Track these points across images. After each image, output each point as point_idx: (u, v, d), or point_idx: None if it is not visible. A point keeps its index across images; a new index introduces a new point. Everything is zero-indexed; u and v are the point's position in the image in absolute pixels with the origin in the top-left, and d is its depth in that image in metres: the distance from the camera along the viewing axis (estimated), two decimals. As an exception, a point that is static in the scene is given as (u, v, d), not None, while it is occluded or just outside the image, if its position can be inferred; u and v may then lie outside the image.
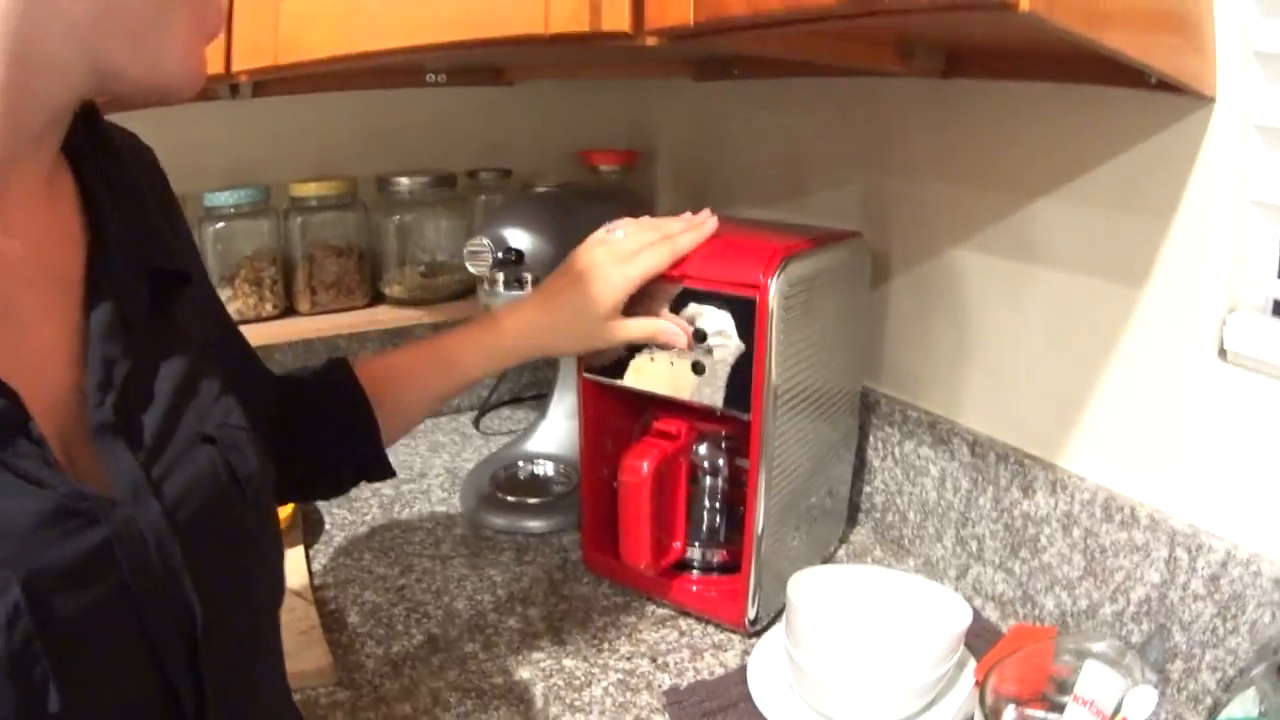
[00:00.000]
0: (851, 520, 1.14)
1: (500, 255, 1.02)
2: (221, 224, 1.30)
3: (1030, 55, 0.84)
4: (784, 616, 0.83)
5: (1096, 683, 0.69)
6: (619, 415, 1.00)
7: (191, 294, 0.61)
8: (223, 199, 1.29)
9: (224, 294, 1.31)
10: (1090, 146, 0.85)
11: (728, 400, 0.87)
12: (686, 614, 0.97)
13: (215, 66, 0.94)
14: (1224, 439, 0.78)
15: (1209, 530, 0.78)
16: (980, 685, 0.68)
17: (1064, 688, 0.71)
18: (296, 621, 0.92)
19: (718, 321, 0.86)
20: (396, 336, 1.41)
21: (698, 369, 0.87)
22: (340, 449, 0.85)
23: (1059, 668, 0.73)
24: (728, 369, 0.86)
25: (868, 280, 1.04)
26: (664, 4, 0.76)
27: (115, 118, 0.60)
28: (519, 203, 1.16)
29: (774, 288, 0.82)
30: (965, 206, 0.98)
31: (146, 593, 0.46)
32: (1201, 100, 0.75)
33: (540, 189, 1.33)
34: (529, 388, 1.56)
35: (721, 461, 0.96)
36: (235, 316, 1.25)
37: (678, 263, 0.87)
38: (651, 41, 0.80)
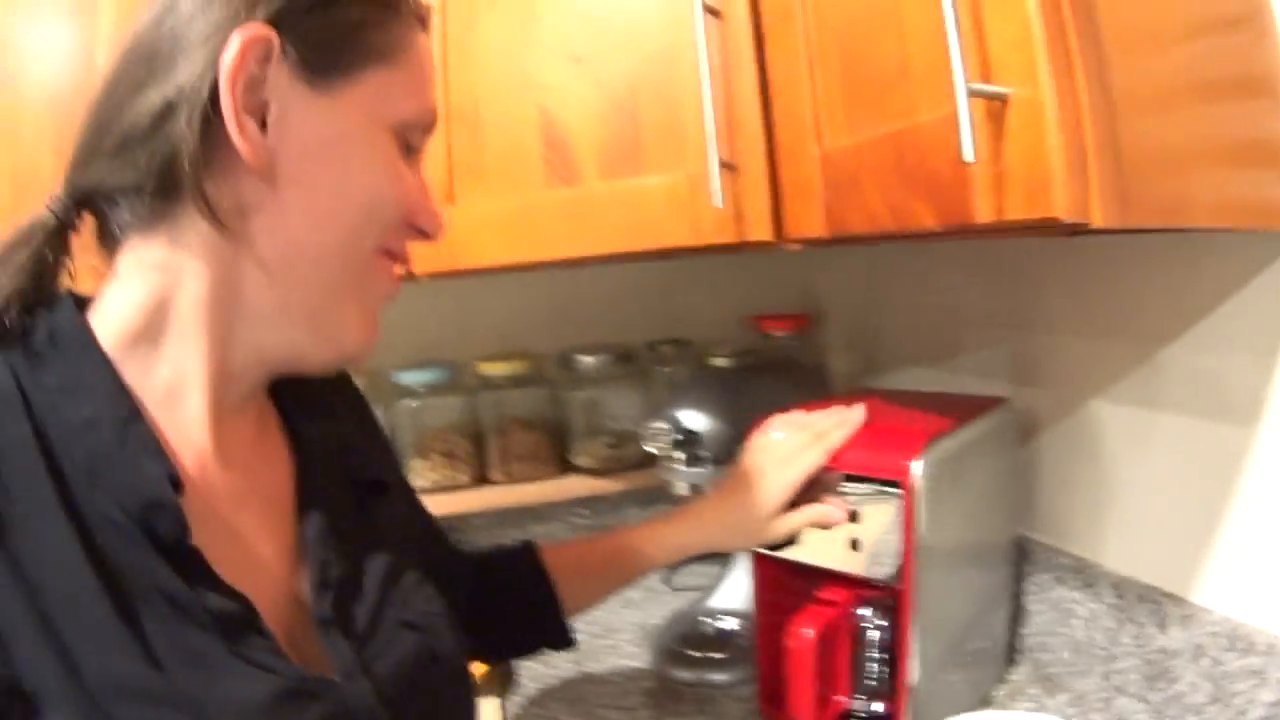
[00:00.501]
0: (1010, 660, 1.14)
1: (678, 436, 1.13)
2: (414, 401, 1.43)
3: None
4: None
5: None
6: (788, 581, 1.05)
7: (390, 497, 0.71)
8: (413, 378, 1.42)
9: (419, 465, 1.43)
10: (1201, 291, 0.88)
11: (881, 571, 0.93)
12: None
13: None
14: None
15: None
16: None
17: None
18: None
19: (870, 502, 0.92)
20: (587, 504, 1.49)
21: (854, 545, 0.94)
22: (527, 623, 0.95)
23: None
24: (880, 543, 0.92)
25: (1015, 442, 1.09)
26: (799, 219, 0.86)
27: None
28: (694, 383, 1.25)
29: (918, 471, 0.88)
30: (1099, 358, 1.03)
31: None
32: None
33: (716, 361, 1.42)
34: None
35: (882, 620, 1.01)
36: (431, 486, 1.42)
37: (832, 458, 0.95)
38: (793, 247, 0.90)
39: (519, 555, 0.96)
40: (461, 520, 1.49)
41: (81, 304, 0.58)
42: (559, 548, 0.98)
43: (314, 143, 0.56)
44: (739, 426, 1.12)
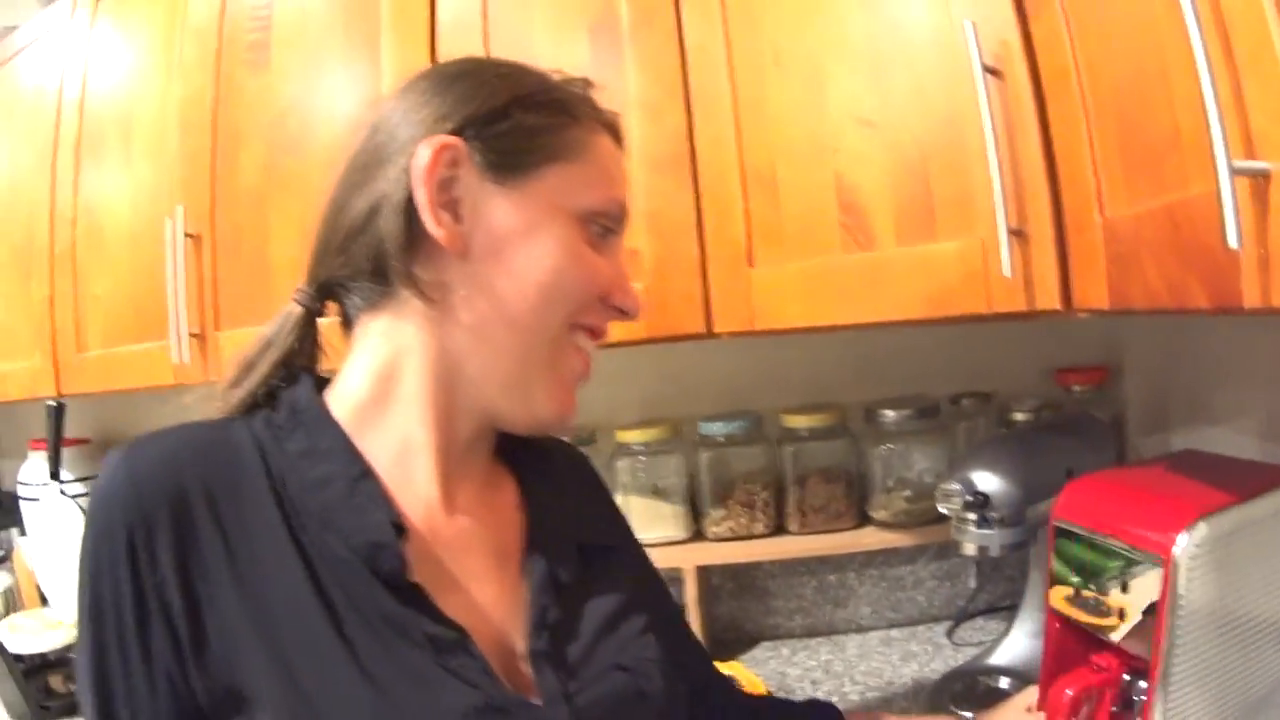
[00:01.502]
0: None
1: (969, 498, 1.13)
2: (716, 451, 1.50)
3: None
4: None
5: None
6: (1075, 642, 1.02)
7: (620, 560, 0.78)
8: (716, 429, 1.49)
9: (718, 513, 1.49)
10: None
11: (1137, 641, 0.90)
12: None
13: (695, 327, 1.16)
14: None
15: None
16: None
17: None
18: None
19: (1138, 574, 0.89)
20: (879, 556, 1.51)
21: (1121, 614, 0.91)
22: None
23: None
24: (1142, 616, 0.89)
25: None
26: (1086, 290, 0.85)
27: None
28: (987, 444, 1.24)
29: (1181, 546, 0.85)
30: None
31: None
32: None
33: (1015, 416, 1.41)
34: (1004, 598, 1.55)
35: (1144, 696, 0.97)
36: (728, 534, 1.50)
37: None
38: (1082, 316, 0.89)
39: (818, 709, 0.97)
40: (753, 568, 1.55)
41: (321, 382, 0.69)
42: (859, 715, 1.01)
43: (503, 227, 0.66)
44: (1029, 489, 1.11)
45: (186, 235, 1.39)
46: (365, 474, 0.63)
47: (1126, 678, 0.96)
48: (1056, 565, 0.99)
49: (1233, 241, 0.54)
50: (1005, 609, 1.53)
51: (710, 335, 1.17)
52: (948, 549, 1.48)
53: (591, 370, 0.72)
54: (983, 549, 1.14)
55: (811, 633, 1.57)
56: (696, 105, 1.18)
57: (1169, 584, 0.86)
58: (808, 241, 1.10)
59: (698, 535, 1.54)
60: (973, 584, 1.55)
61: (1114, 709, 0.97)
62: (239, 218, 1.39)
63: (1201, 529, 0.86)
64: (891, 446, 1.49)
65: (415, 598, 0.61)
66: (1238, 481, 0.94)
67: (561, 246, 0.66)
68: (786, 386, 1.57)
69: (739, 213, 1.14)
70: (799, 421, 1.49)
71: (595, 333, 0.71)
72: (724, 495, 1.52)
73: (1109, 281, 0.80)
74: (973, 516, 1.15)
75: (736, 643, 1.57)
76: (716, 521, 1.51)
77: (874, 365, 1.56)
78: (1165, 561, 0.86)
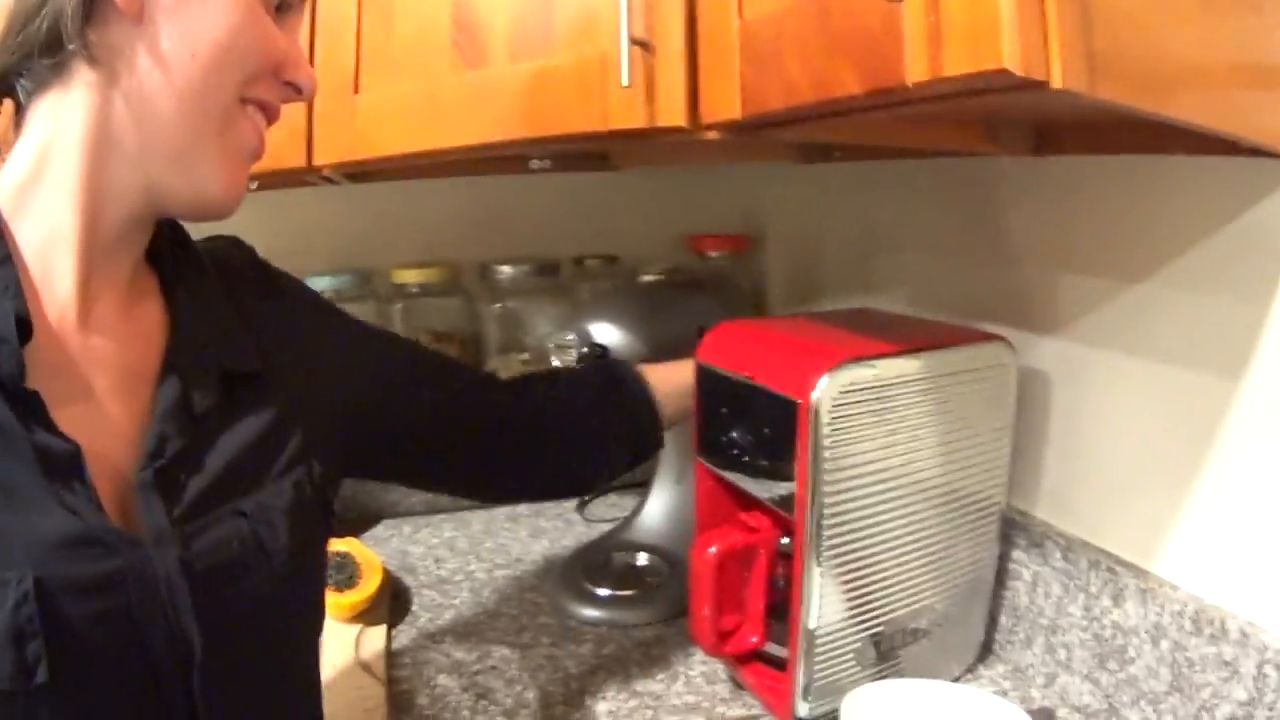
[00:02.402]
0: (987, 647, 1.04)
1: (585, 350, 1.03)
2: None
3: (1120, 127, 0.77)
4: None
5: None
6: (727, 500, 0.98)
7: (269, 393, 0.70)
8: (323, 284, 1.32)
9: None
10: (1184, 224, 0.78)
11: (780, 494, 0.85)
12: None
13: (297, 160, 1.03)
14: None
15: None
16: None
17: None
18: (363, 699, 0.94)
19: (780, 422, 0.83)
20: None
21: (761, 466, 0.86)
22: (616, 424, 0.96)
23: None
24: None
25: (1000, 386, 0.94)
26: (715, 100, 0.76)
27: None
28: (614, 296, 1.16)
29: (822, 389, 0.79)
30: (1067, 295, 0.92)
31: (149, 619, 0.57)
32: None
33: (645, 278, 1.33)
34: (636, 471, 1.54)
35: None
36: None
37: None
38: (711, 135, 0.79)
39: (605, 367, 1.00)
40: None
41: None
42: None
43: None
44: (655, 346, 1.02)
45: None
46: (6, 258, 0.58)
47: (785, 540, 0.90)
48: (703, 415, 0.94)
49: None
50: (639, 485, 1.47)
51: (310, 169, 1.04)
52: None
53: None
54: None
55: (434, 509, 1.48)
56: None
57: (808, 431, 0.79)
58: (416, 63, 0.98)
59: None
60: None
61: (780, 580, 0.91)
62: None
63: (847, 374, 0.80)
64: (507, 305, 1.39)
65: (31, 407, 0.55)
66: (904, 336, 0.88)
67: (242, 9, 0.62)
68: (401, 244, 1.44)
69: (350, 37, 1.02)
70: (410, 277, 1.36)
71: (267, 110, 0.67)
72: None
73: (743, 87, 0.71)
74: (591, 374, 1.05)
75: (357, 521, 1.45)
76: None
77: (494, 224, 1.47)
78: (803, 406, 0.79)
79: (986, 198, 1.03)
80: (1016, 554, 0.97)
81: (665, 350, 1.03)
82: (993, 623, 1.00)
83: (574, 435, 0.95)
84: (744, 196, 1.54)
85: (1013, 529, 0.97)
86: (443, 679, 1.01)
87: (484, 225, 1.46)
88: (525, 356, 1.40)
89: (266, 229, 0.73)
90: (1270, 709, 0.71)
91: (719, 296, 1.18)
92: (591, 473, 0.99)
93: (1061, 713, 0.90)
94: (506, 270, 1.37)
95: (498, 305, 1.39)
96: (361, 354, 0.85)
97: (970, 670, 0.98)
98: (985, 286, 1.04)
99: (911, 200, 1.16)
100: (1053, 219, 0.93)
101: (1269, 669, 0.71)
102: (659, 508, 1.26)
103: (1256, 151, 0.66)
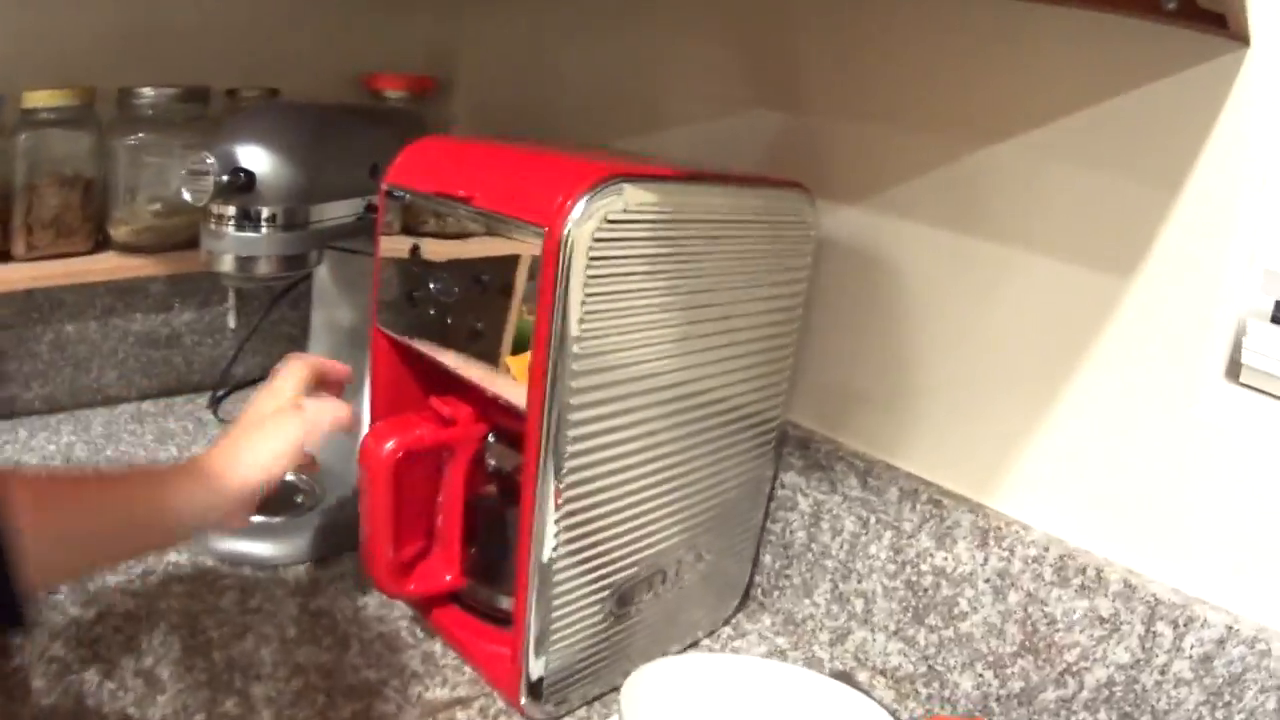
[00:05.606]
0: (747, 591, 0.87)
1: (226, 178, 0.72)
2: None
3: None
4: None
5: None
6: (414, 380, 0.75)
7: None
8: None
9: None
10: (1083, 87, 0.64)
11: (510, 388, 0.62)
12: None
13: None
14: (1229, 480, 0.60)
15: (1204, 599, 0.60)
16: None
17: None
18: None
19: (503, 270, 0.60)
20: (126, 302, 1.12)
21: (479, 334, 0.62)
22: None
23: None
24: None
25: (776, 248, 0.73)
26: None
27: None
28: (270, 113, 0.85)
29: (578, 214, 0.55)
30: (896, 154, 0.74)
31: None
32: (1231, 42, 0.57)
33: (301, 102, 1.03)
34: (280, 357, 1.26)
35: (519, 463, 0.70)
36: None
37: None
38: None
39: None
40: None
41: None
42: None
43: None
44: (313, 175, 0.76)
45: None
46: None
47: (491, 439, 0.69)
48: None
49: None
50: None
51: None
52: (212, 292, 1.16)
53: None
54: (245, 266, 0.78)
55: (53, 406, 1.15)
56: None
57: (553, 278, 0.56)
58: None
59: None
60: (232, 324, 1.20)
61: (493, 495, 0.71)
62: None
63: (615, 197, 0.57)
64: (144, 138, 1.06)
65: None
66: (680, 167, 0.65)
67: None
68: (29, 65, 1.06)
69: None
70: (41, 100, 1.01)
71: None
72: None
73: None
74: (232, 211, 0.76)
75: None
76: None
77: (143, 45, 1.13)
78: (550, 238, 0.55)
79: (782, 30, 0.83)
80: (790, 477, 0.79)
81: (328, 191, 0.78)
82: (754, 564, 0.82)
83: None
84: (433, 35, 1.31)
85: (785, 446, 0.79)
86: (58, 648, 0.70)
87: (126, 46, 1.12)
88: (157, 207, 1.07)
89: None
90: (1163, 672, 0.61)
91: (398, 130, 0.90)
92: None
93: (861, 676, 0.74)
94: (148, 93, 1.06)
95: (133, 138, 1.07)
96: None
97: (729, 622, 0.80)
98: (772, 138, 0.84)
99: (669, 34, 0.94)
100: (887, 58, 0.75)
101: (1161, 625, 0.60)
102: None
103: (1177, 17, 0.53)
